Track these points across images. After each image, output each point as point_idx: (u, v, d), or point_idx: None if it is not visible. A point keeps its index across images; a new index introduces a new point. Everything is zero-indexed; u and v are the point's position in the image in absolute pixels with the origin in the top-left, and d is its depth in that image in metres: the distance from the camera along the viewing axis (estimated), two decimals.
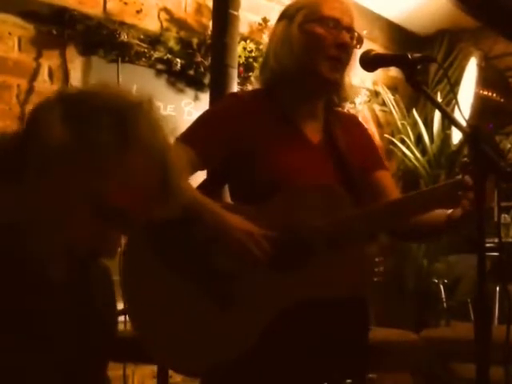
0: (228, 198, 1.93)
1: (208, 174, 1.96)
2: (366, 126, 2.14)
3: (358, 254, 1.69)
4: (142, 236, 1.77)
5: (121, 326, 2.90)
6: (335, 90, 1.88)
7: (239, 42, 3.39)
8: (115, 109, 1.05)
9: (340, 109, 1.97)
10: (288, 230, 1.69)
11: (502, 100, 4.39)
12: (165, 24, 3.57)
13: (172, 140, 1.14)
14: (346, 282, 1.68)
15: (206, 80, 3.52)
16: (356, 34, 1.81)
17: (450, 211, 1.70)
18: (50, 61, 3.08)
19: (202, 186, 1.89)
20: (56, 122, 1.02)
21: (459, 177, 1.61)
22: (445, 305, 4.47)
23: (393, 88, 4.94)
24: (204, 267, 1.71)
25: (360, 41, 1.82)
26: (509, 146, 4.45)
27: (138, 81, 3.26)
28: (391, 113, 4.90)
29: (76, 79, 3.14)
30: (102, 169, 1.03)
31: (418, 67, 1.56)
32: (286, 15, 1.86)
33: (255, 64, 3.73)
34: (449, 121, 1.58)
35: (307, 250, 1.67)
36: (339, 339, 1.75)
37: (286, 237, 1.68)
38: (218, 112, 1.89)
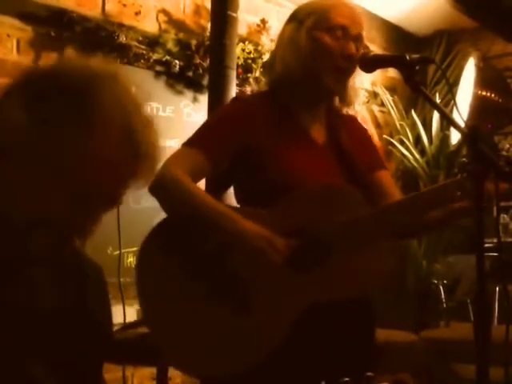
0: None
1: (207, 180, 1.96)
2: (365, 126, 2.15)
3: (371, 255, 1.69)
4: (157, 239, 1.78)
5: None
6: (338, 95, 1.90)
7: (238, 44, 3.39)
8: (76, 86, 1.01)
9: (341, 110, 1.98)
10: (303, 232, 1.69)
11: (500, 100, 4.39)
12: (163, 26, 3.57)
13: (143, 106, 1.10)
14: (359, 282, 1.69)
15: (205, 81, 3.52)
16: (363, 43, 1.81)
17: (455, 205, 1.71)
18: (48, 63, 3.07)
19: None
20: (16, 108, 1.01)
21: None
22: (444, 305, 4.48)
23: (391, 89, 4.95)
24: (220, 272, 1.71)
25: (366, 50, 1.82)
26: (507, 146, 4.45)
27: (137, 83, 3.25)
28: (390, 113, 4.90)
29: None
30: (69, 154, 1.01)
31: (417, 68, 1.56)
32: (296, 18, 1.85)
33: (254, 65, 3.73)
34: (447, 121, 1.58)
35: (324, 251, 1.67)
36: (350, 340, 1.76)
37: (302, 239, 1.68)
38: (225, 115, 1.89)
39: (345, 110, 2.00)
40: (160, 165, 1.17)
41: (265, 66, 2.00)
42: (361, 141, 1.96)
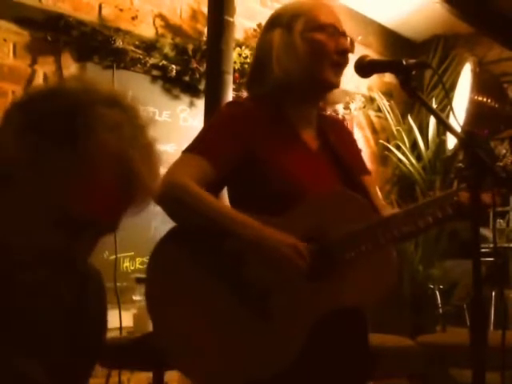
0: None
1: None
2: (350, 129, 2.17)
3: (382, 262, 1.69)
4: (170, 247, 1.74)
5: (116, 334, 2.90)
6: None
7: (234, 48, 3.40)
8: (67, 111, 0.99)
9: (326, 113, 2.00)
10: (315, 240, 1.68)
11: (496, 105, 4.40)
12: (160, 30, 3.58)
13: (145, 131, 1.06)
14: (370, 289, 1.68)
15: (202, 86, 3.52)
16: (349, 38, 1.85)
17: None
18: (45, 67, 3.08)
19: None
20: (10, 136, 0.99)
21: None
22: (441, 310, 4.48)
23: (388, 94, 4.95)
24: (238, 280, 1.69)
25: (352, 45, 1.86)
26: (504, 151, 4.46)
27: (134, 87, 3.26)
28: (386, 119, 4.91)
29: None
30: (57, 182, 0.98)
31: (413, 73, 1.56)
32: (281, 23, 1.85)
33: None
34: (444, 126, 1.58)
35: (334, 259, 1.67)
36: (349, 347, 1.76)
37: (315, 247, 1.68)
38: (224, 120, 1.85)
39: (341, 115, 2.00)
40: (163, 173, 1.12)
41: (251, 73, 1.97)
42: (348, 145, 1.97)
